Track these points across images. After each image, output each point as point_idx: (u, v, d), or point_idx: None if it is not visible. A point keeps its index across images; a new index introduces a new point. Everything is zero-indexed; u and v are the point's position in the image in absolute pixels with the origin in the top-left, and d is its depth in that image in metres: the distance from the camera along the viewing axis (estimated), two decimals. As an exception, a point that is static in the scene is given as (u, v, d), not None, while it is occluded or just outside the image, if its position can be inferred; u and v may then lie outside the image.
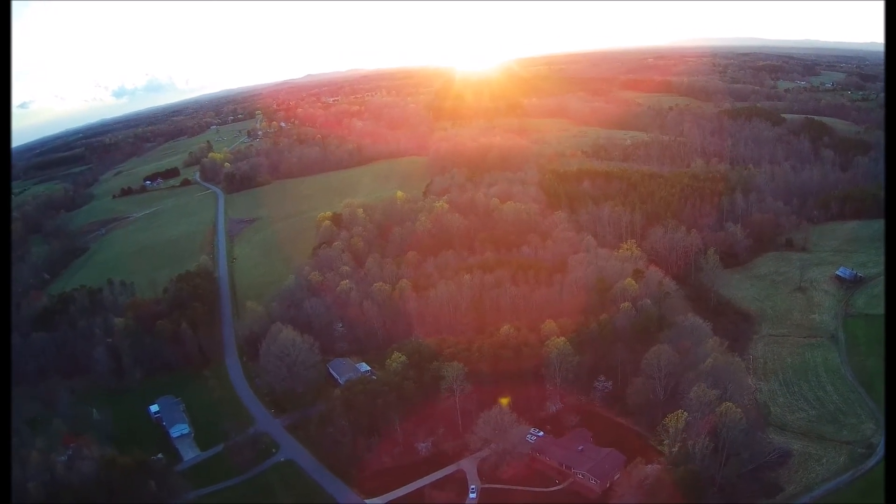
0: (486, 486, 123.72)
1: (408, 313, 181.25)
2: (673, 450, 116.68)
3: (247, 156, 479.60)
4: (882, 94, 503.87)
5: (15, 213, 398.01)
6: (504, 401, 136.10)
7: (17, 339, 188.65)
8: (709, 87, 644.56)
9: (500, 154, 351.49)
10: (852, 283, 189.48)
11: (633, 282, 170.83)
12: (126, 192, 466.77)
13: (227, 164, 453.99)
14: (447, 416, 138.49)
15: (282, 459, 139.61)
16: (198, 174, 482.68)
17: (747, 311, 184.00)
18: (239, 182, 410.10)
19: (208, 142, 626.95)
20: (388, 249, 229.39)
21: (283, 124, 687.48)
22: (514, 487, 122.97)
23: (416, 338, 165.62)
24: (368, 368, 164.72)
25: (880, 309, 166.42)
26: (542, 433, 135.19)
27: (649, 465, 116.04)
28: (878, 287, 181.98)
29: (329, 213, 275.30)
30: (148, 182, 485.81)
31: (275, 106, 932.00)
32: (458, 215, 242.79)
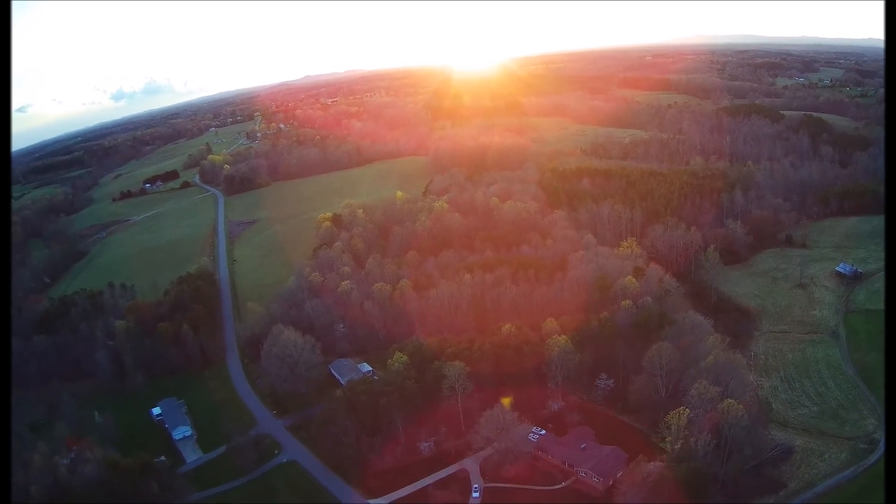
0: (489, 485, 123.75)
1: (409, 313, 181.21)
2: (675, 447, 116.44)
3: (246, 157, 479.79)
4: (881, 91, 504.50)
5: (14, 217, 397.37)
6: (506, 401, 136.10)
7: (18, 343, 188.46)
8: (707, 85, 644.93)
9: (500, 153, 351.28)
10: (852, 279, 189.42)
11: (634, 279, 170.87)
12: (126, 195, 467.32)
13: (226, 166, 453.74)
14: (449, 415, 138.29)
15: (284, 460, 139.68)
16: (197, 176, 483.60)
17: (748, 308, 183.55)
18: (238, 184, 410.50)
19: (207, 144, 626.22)
20: (389, 250, 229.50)
21: (281, 126, 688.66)
22: (517, 486, 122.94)
23: (417, 338, 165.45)
24: (370, 369, 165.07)
25: (881, 304, 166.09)
26: (544, 432, 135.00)
27: (652, 463, 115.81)
28: (879, 283, 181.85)
29: (329, 214, 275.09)
30: (147, 185, 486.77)
31: (273, 107, 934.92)
32: (458, 215, 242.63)
